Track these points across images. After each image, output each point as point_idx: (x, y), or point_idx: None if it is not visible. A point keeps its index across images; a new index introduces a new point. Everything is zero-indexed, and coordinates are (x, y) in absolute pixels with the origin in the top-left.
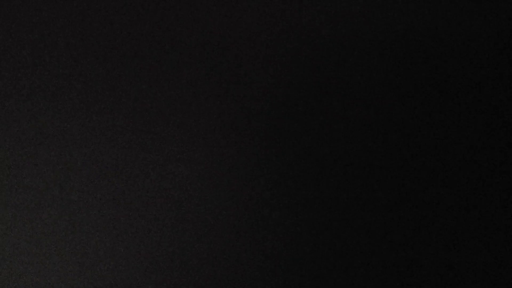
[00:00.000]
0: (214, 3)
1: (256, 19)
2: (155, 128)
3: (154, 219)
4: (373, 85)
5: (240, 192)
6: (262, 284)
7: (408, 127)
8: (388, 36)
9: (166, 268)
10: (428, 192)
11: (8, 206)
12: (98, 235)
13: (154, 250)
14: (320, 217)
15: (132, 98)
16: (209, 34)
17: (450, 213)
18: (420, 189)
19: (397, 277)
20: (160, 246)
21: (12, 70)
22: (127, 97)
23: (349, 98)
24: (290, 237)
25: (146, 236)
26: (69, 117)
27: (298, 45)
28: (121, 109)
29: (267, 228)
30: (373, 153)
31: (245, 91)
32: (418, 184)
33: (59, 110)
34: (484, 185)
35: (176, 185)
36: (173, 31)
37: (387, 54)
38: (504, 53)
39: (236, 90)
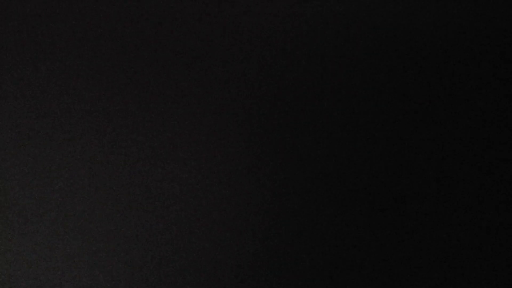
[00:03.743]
0: (213, 3)
1: (256, 18)
2: (154, 128)
3: (153, 219)
4: (372, 84)
5: (239, 192)
6: (262, 284)
7: (407, 127)
8: (387, 36)
9: (166, 268)
10: (428, 192)
11: (8, 206)
12: (97, 235)
13: (154, 250)
14: (320, 217)
15: (131, 98)
16: (207, 34)
17: (450, 213)
18: (420, 189)
19: (397, 277)
20: (160, 246)
21: (12, 70)
22: (127, 97)
23: (348, 98)
24: (290, 237)
25: (146, 236)
26: (68, 117)
27: (297, 45)
28: (120, 109)
29: (266, 228)
30: (373, 153)
31: (244, 91)
32: (417, 184)
33: (59, 110)
34: (484, 185)
35: (176, 185)
36: (172, 31)
37: (386, 54)
38: (504, 53)
39: (235, 89)
